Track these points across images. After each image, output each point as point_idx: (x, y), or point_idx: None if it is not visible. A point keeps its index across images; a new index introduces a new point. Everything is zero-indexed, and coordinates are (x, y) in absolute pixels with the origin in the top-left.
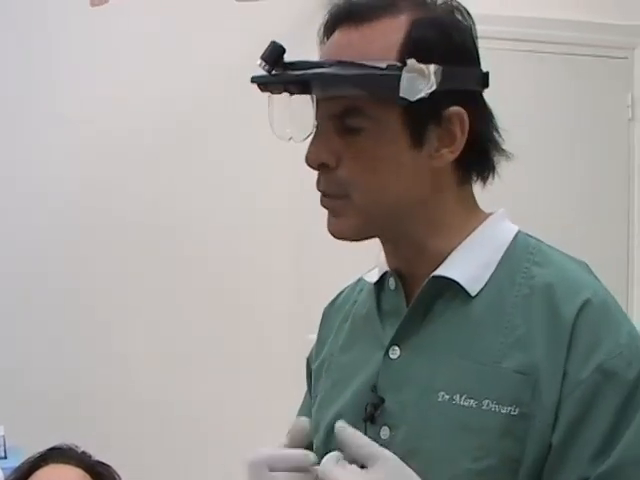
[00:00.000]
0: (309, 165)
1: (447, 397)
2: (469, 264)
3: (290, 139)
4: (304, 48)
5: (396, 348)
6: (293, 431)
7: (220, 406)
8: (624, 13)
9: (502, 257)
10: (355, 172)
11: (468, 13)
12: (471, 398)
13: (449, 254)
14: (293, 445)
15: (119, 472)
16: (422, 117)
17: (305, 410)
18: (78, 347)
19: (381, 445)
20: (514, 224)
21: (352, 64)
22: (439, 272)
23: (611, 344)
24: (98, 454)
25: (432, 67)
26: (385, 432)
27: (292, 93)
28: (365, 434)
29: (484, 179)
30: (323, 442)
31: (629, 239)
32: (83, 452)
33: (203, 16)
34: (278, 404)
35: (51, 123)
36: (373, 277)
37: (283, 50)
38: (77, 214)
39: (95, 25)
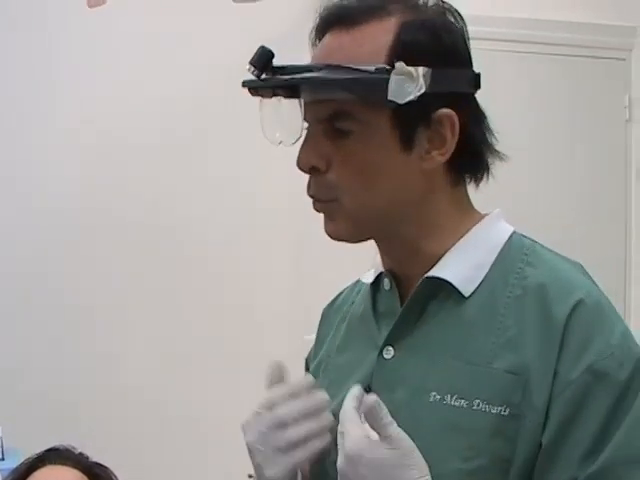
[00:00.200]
0: (300, 169)
1: (438, 397)
2: (462, 265)
3: (280, 143)
4: (304, 48)
5: (390, 348)
6: (271, 374)
7: (220, 406)
8: (621, 14)
9: (496, 258)
10: (344, 176)
11: (460, 15)
12: (462, 398)
13: (443, 255)
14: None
15: (119, 472)
16: (412, 120)
17: None
18: (78, 347)
19: None
20: (511, 225)
21: (341, 68)
22: (432, 273)
23: (603, 345)
24: (98, 454)
25: (421, 69)
26: None
27: (282, 97)
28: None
29: (477, 180)
30: None
31: (627, 239)
32: (80, 453)
33: (203, 16)
34: None
35: (51, 123)
36: (369, 278)
37: (272, 55)
38: (77, 214)
39: (95, 25)
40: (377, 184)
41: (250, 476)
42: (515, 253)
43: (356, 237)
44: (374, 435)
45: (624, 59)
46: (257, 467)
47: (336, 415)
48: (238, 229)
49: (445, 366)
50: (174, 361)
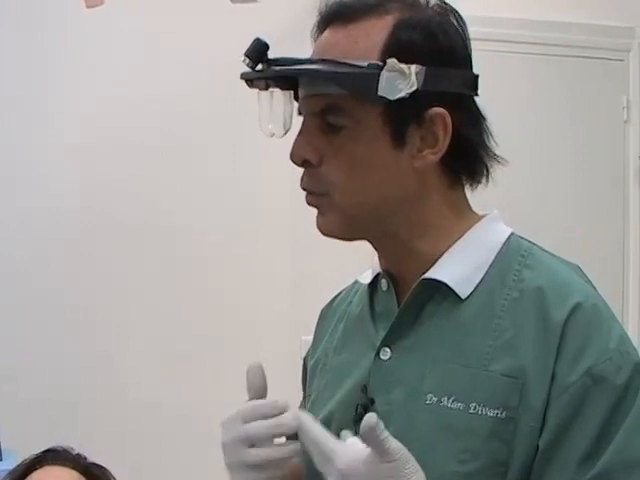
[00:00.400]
0: (293, 162)
1: (435, 399)
2: (459, 267)
3: (273, 135)
4: (303, 48)
5: (387, 349)
6: (250, 380)
7: (219, 406)
8: (619, 15)
9: (494, 260)
10: (335, 170)
11: (459, 15)
12: (458, 401)
13: (440, 256)
14: (256, 393)
15: (119, 472)
16: (403, 117)
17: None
18: (77, 347)
19: None
20: (509, 226)
21: (334, 62)
22: (429, 274)
23: (600, 348)
24: (97, 454)
25: (414, 67)
26: None
27: (274, 89)
28: (355, 435)
29: (476, 183)
30: None
31: (624, 241)
32: (78, 454)
33: (203, 16)
34: None
35: (51, 123)
36: (367, 278)
37: (266, 47)
38: (77, 214)
39: (95, 25)
40: (367, 180)
41: None
42: (513, 255)
43: (347, 233)
44: (363, 448)
45: (622, 60)
46: (228, 467)
47: (335, 416)
48: (238, 229)
49: (441, 368)
50: (174, 361)
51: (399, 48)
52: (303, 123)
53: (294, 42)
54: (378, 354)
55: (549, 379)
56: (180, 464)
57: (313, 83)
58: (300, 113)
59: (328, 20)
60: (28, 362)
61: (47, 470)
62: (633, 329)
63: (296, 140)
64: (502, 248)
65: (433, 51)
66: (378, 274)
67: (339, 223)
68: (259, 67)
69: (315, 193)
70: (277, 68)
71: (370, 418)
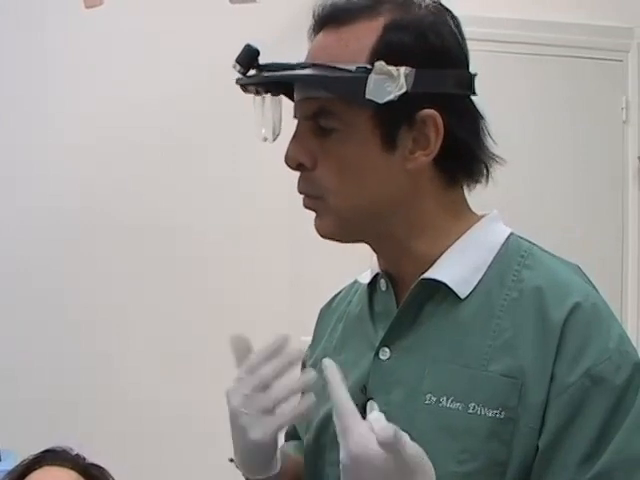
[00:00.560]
0: (288, 165)
1: (434, 399)
2: (459, 267)
3: (266, 140)
4: (302, 48)
5: (386, 349)
6: (236, 350)
7: (219, 406)
8: (618, 16)
9: (493, 260)
10: (328, 173)
11: (453, 15)
12: (457, 401)
13: (438, 257)
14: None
15: (119, 472)
16: (394, 119)
17: None
18: (77, 347)
19: None
20: (508, 226)
21: (324, 66)
22: (428, 274)
23: (600, 349)
24: (97, 455)
25: (403, 69)
26: None
27: (264, 94)
28: None
29: (474, 183)
30: (314, 440)
31: (624, 241)
32: (77, 454)
33: (202, 16)
34: None
35: (51, 123)
36: (366, 278)
37: (257, 53)
38: (77, 214)
39: (94, 25)
40: (360, 183)
41: (231, 460)
42: (512, 255)
43: (344, 235)
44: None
45: (621, 60)
46: (241, 430)
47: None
48: (238, 229)
49: (440, 368)
50: (174, 361)
51: (389, 50)
52: (297, 127)
53: (293, 42)
54: (377, 354)
55: (548, 379)
56: (180, 464)
57: (304, 87)
58: (296, 117)
59: (321, 23)
60: (28, 362)
61: (46, 470)
62: (632, 329)
63: (290, 143)
64: (501, 248)
65: (425, 52)
66: (377, 274)
67: (335, 226)
68: (251, 72)
69: (311, 196)
70: (267, 74)
71: (388, 428)
